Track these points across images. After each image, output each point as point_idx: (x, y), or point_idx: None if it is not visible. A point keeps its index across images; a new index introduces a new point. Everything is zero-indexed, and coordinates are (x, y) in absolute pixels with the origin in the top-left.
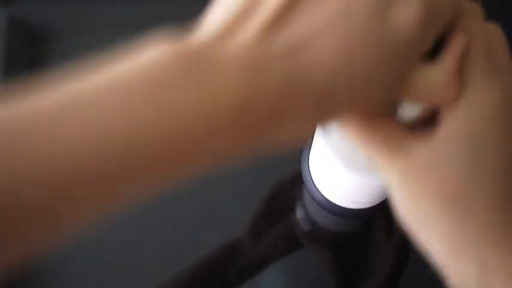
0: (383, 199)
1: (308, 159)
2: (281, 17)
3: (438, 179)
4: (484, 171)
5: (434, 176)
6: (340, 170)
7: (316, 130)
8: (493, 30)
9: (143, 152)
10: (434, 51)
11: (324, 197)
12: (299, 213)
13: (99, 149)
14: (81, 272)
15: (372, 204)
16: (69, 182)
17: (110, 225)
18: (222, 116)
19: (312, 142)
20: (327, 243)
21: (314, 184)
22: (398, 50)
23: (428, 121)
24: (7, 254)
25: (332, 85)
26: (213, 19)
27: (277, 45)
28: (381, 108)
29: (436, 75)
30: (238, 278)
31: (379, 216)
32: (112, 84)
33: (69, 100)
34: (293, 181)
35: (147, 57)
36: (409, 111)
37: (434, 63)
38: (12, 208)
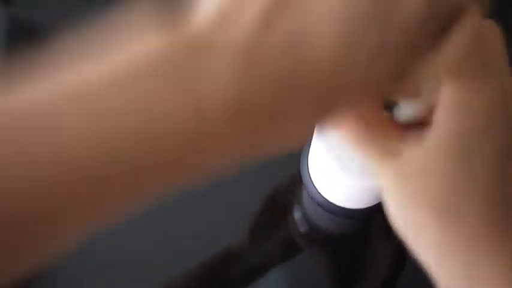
0: (380, 201)
1: (307, 159)
2: (278, 7)
3: (429, 180)
4: (474, 173)
5: (425, 177)
6: (337, 172)
7: (314, 131)
8: (490, 27)
9: (142, 151)
10: None
11: (323, 197)
12: (297, 215)
13: (102, 149)
14: (81, 272)
15: (369, 205)
16: (69, 182)
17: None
18: (217, 115)
19: (310, 142)
20: (324, 245)
21: (313, 184)
22: (406, 33)
23: (423, 123)
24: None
25: (332, 75)
26: (206, 5)
27: (276, 35)
28: (378, 108)
29: (445, 55)
30: (236, 284)
31: (377, 217)
32: (115, 79)
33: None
34: (290, 184)
35: (142, 49)
36: (404, 112)
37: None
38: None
